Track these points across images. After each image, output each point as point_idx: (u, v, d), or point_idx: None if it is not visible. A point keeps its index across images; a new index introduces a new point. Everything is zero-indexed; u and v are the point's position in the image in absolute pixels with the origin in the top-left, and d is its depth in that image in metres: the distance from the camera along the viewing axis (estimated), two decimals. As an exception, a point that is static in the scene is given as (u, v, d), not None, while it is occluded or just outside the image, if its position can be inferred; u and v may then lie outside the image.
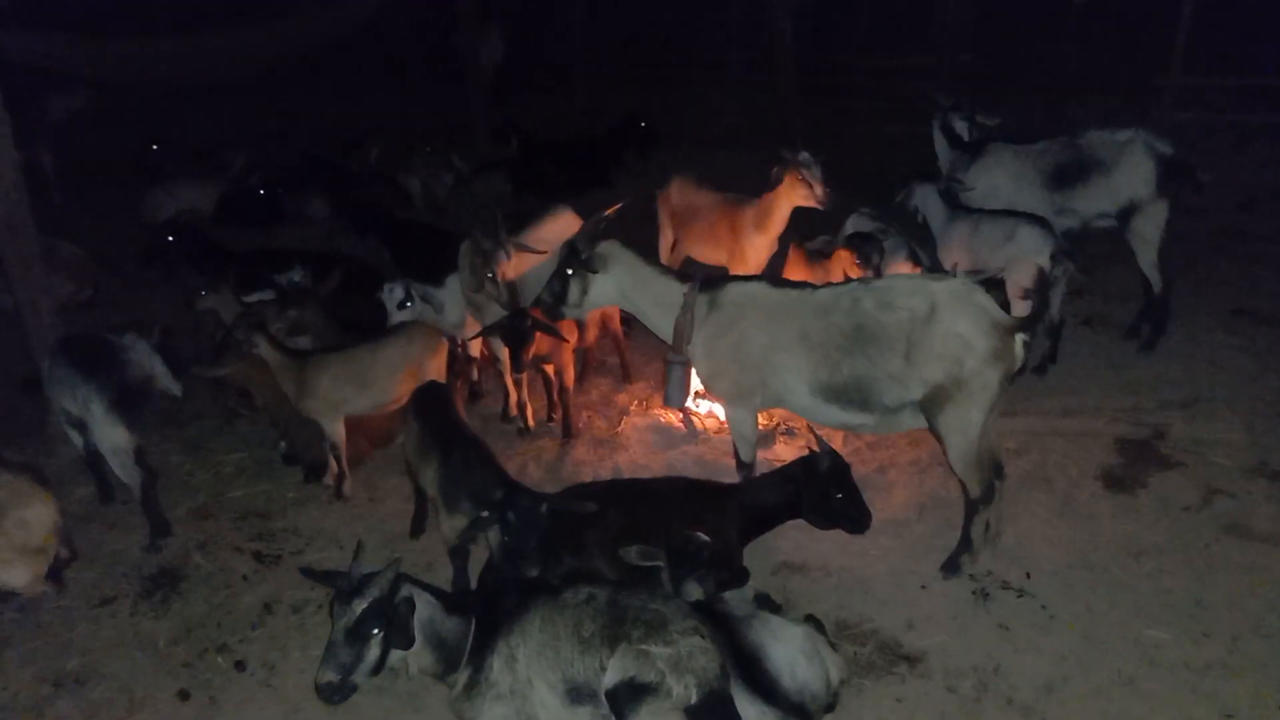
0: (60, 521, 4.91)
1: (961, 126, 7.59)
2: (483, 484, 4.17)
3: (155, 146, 12.92)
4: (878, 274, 5.93)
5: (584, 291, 4.81)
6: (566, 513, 4.00)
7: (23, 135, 5.96)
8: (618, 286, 4.83)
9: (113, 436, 5.21)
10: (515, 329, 5.47)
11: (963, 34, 14.65)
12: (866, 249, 6.02)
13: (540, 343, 5.74)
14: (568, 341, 5.91)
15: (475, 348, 6.64)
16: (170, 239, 8.78)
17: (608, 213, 4.97)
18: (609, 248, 4.79)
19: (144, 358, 5.86)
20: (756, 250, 6.79)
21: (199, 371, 5.79)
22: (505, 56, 15.98)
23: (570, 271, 4.78)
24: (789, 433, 6.06)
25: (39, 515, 4.75)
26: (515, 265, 5.66)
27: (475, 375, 6.80)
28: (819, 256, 6.39)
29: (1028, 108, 13.10)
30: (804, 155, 6.40)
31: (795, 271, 6.42)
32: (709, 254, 7.19)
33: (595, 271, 4.76)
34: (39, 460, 5.66)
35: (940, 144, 7.56)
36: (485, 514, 3.94)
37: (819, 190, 6.34)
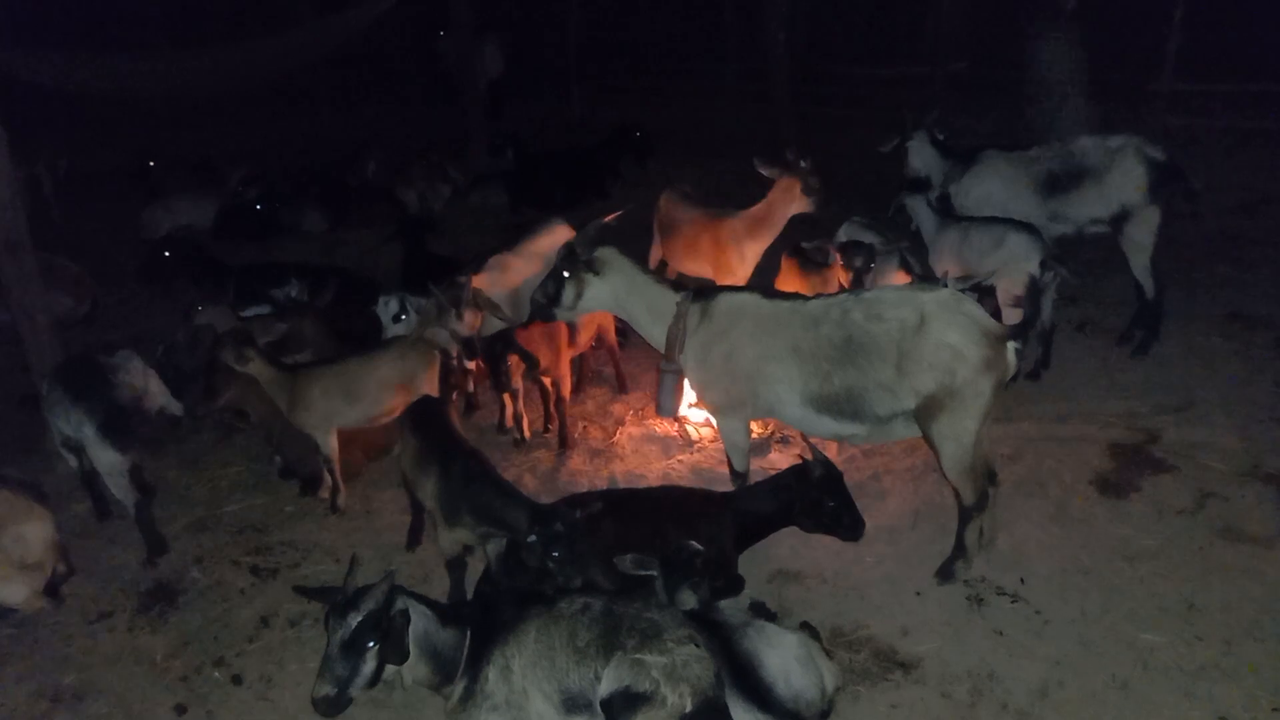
0: (58, 537, 4.94)
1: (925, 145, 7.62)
2: (497, 503, 4.15)
3: (152, 162, 12.97)
4: (859, 281, 5.99)
5: (578, 295, 4.83)
6: (593, 515, 4.03)
7: (21, 152, 6.01)
8: (612, 292, 4.85)
9: (106, 457, 5.23)
10: (488, 351, 5.58)
11: (956, 43, 14.73)
12: (853, 256, 6.05)
13: (541, 353, 5.79)
14: (537, 365, 5.91)
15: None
16: (168, 254, 8.82)
17: (608, 218, 5.00)
18: (606, 253, 4.81)
19: (137, 376, 5.88)
20: (744, 262, 6.82)
21: (199, 408, 5.80)
22: (503, 69, 16.06)
23: (566, 274, 4.81)
24: (783, 441, 6.08)
25: (36, 531, 4.78)
26: (471, 322, 5.65)
27: (471, 387, 6.82)
28: (815, 266, 6.42)
29: (1021, 115, 13.14)
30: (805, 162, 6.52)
31: (789, 282, 6.45)
32: (692, 267, 7.21)
33: (595, 273, 4.79)
34: (37, 476, 5.68)
35: (920, 157, 7.54)
36: (532, 539, 3.87)
37: (816, 193, 6.46)
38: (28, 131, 6.73)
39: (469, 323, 5.54)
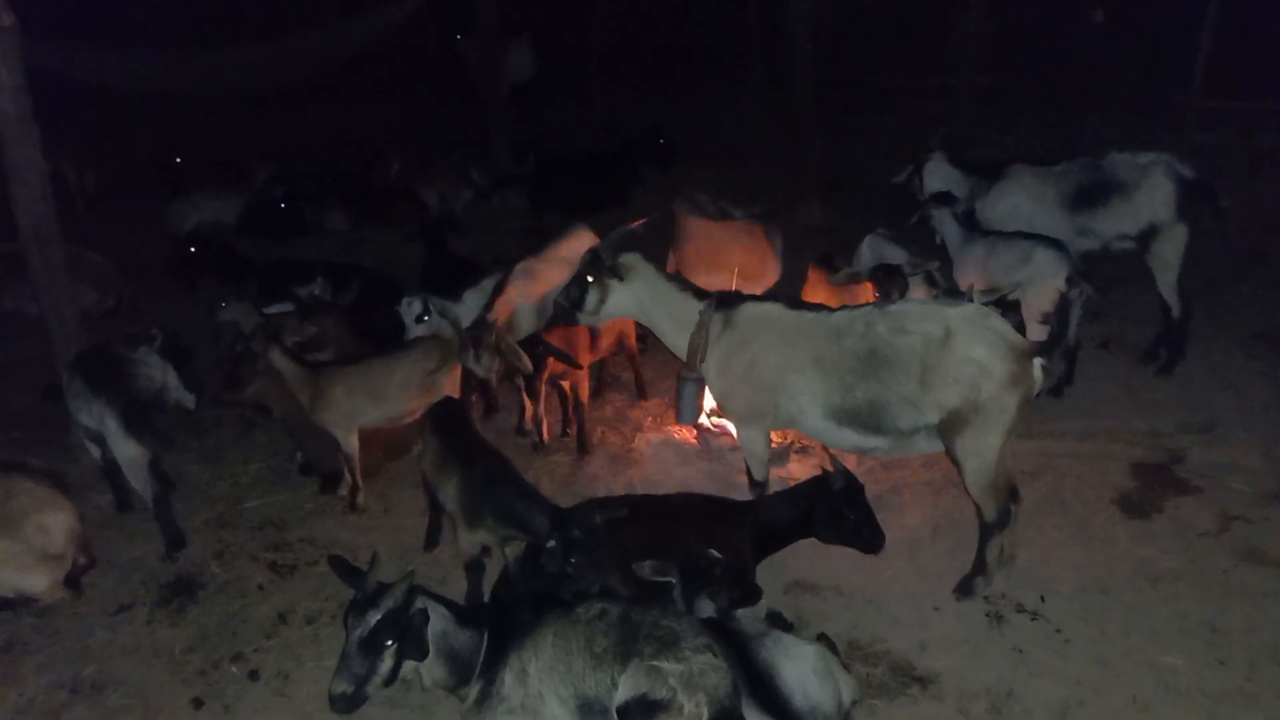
0: (79, 528, 4.98)
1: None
2: (520, 506, 4.15)
3: (179, 158, 13.08)
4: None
5: (601, 300, 4.84)
6: (612, 521, 4.01)
7: (48, 146, 6.07)
8: (635, 298, 4.85)
9: (127, 449, 5.27)
10: (529, 356, 5.54)
11: (981, 53, 14.67)
12: (886, 283, 5.97)
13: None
14: (581, 367, 5.94)
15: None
16: (193, 250, 8.90)
17: (634, 224, 5.00)
18: (631, 259, 4.82)
19: (156, 370, 5.92)
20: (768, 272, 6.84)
21: (224, 398, 5.80)
22: (532, 72, 16.08)
23: (590, 279, 4.81)
24: (803, 451, 6.05)
25: (59, 522, 4.82)
26: (489, 366, 5.63)
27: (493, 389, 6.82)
28: (851, 279, 6.37)
29: (1046, 128, 13.08)
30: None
31: (816, 292, 6.42)
32: (712, 279, 7.16)
33: (619, 279, 4.79)
34: (60, 467, 5.73)
35: (939, 177, 7.47)
36: (552, 544, 3.86)
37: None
38: (56, 127, 6.80)
39: (486, 365, 5.50)
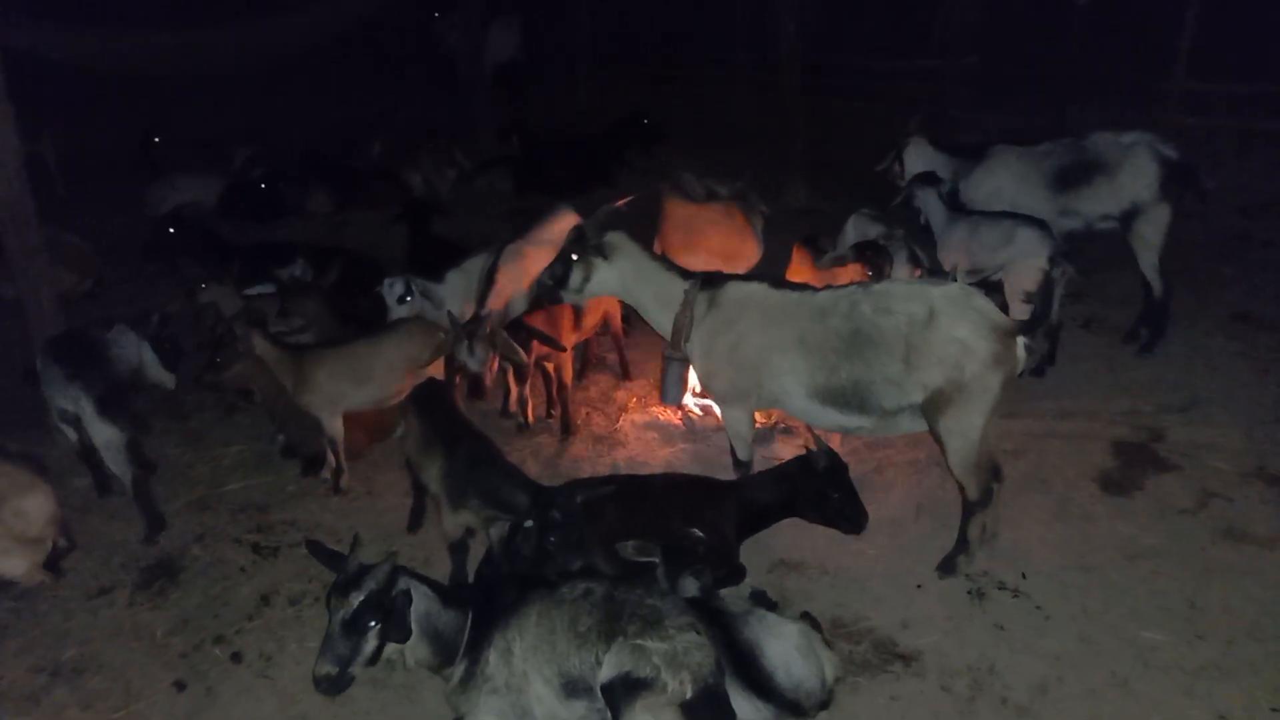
0: (58, 511, 4.94)
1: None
2: (504, 487, 4.15)
3: (158, 139, 12.93)
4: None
5: (585, 278, 4.80)
6: (596, 501, 3.99)
7: (26, 126, 5.98)
8: (620, 277, 4.82)
9: (104, 432, 5.23)
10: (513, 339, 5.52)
11: (967, 36, 14.66)
12: (877, 260, 5.97)
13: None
14: (564, 349, 5.92)
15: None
16: (172, 231, 8.81)
17: (619, 203, 4.97)
18: (616, 238, 4.79)
19: (131, 350, 5.86)
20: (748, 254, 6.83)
21: (205, 381, 5.73)
22: (514, 53, 15.92)
23: (574, 257, 4.78)
24: (787, 431, 6.06)
25: (37, 505, 4.77)
26: (483, 359, 5.57)
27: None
28: (836, 263, 6.37)
29: (1031, 110, 13.09)
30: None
31: (800, 272, 6.41)
32: (695, 261, 7.16)
33: (604, 258, 4.76)
34: (38, 450, 5.69)
35: (921, 160, 7.44)
36: (529, 524, 3.85)
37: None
38: (33, 106, 6.70)
39: (481, 359, 5.42)
